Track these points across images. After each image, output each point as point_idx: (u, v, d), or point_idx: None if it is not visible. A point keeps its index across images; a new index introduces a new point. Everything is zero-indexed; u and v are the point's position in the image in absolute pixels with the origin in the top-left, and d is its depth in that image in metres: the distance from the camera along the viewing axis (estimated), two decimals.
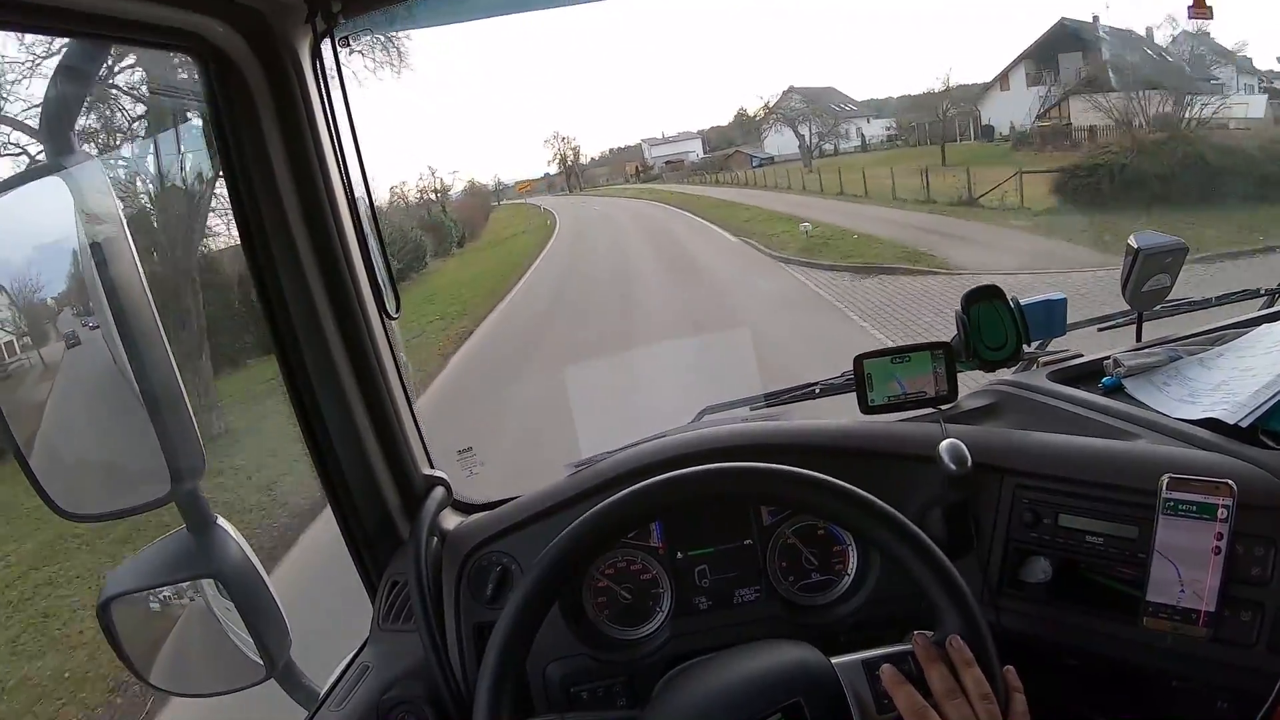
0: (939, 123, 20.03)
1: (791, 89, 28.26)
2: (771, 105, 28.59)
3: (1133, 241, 1.06)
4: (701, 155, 37.95)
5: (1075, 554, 0.84)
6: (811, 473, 0.71)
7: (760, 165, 27.90)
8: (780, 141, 27.87)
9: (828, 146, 25.74)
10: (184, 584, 0.87)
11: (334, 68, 0.85)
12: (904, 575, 0.70)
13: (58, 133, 0.77)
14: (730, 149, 33.85)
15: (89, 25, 0.68)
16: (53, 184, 0.76)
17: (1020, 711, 0.66)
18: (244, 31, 0.79)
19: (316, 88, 0.86)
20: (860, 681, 0.66)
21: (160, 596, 0.89)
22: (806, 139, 26.14)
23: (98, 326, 0.81)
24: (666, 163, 39.06)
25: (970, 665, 0.65)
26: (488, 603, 0.93)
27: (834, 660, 0.68)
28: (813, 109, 26.27)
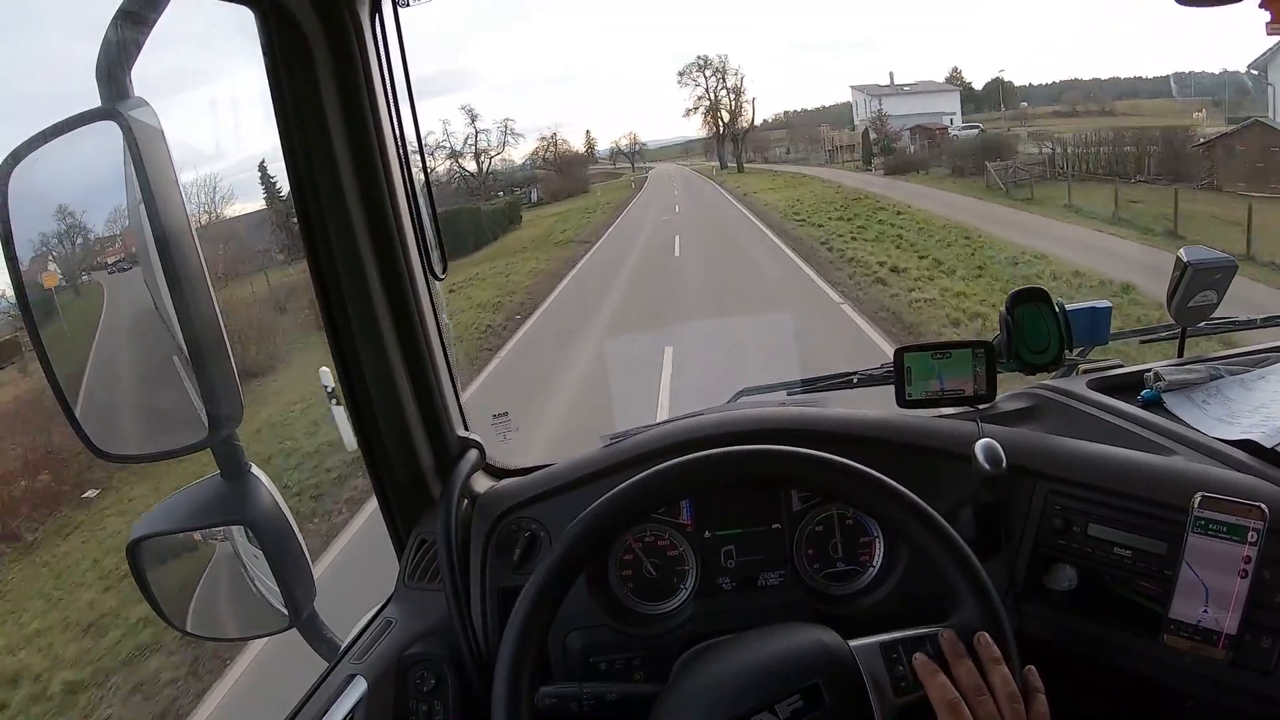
0: None
1: None
2: None
3: (1182, 255, 1.04)
4: (963, 121, 21.30)
5: (1102, 565, 0.84)
6: (847, 461, 0.71)
7: None
8: None
9: None
10: (214, 529, 0.88)
11: (394, 27, 0.85)
12: (930, 573, 0.70)
13: (115, 78, 0.78)
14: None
15: None
16: (106, 128, 0.76)
17: (1041, 712, 0.66)
18: None
19: (375, 46, 0.86)
20: (878, 664, 0.67)
21: (188, 541, 0.91)
22: None
23: (125, 270, 0.82)
24: (914, 129, 21.31)
25: (998, 663, 0.65)
26: (514, 567, 0.94)
27: (852, 643, 0.68)
28: None
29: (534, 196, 27.38)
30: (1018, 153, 17.17)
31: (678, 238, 13.39)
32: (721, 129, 29.21)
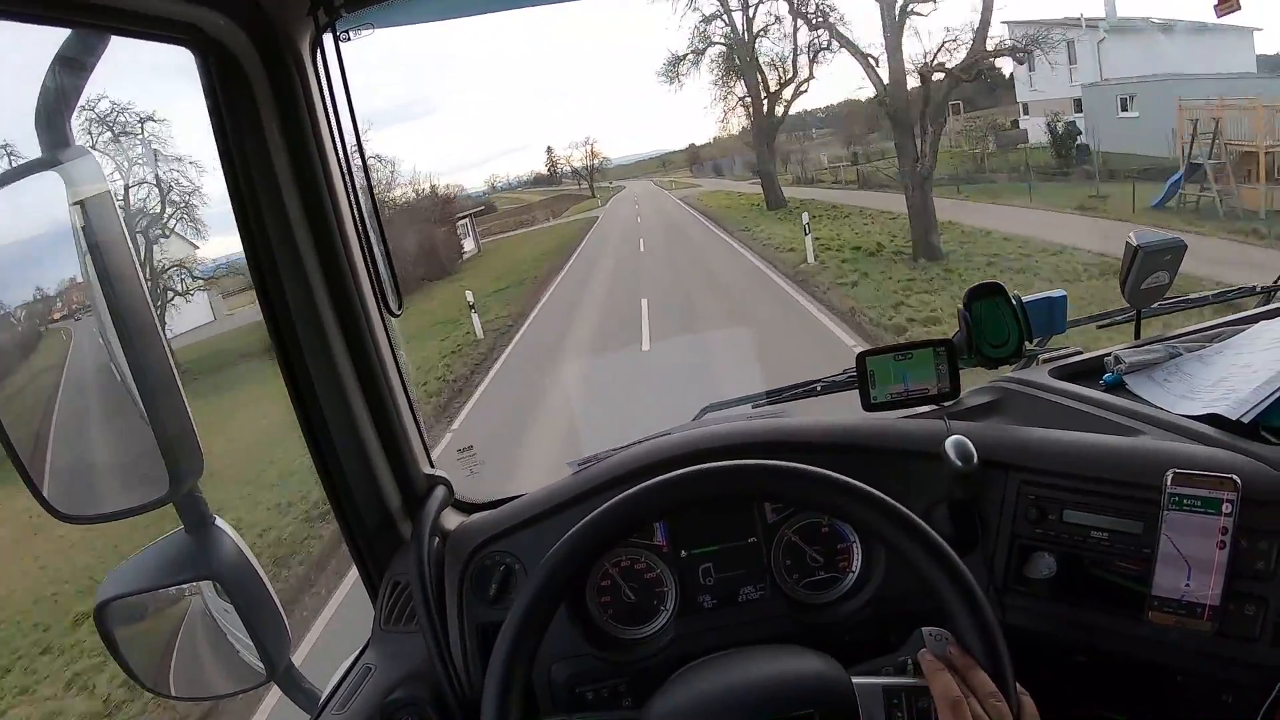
0: None
1: None
2: None
3: (1132, 239, 1.07)
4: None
5: (1080, 550, 0.84)
6: (821, 470, 0.70)
7: None
8: None
9: None
10: (183, 586, 0.86)
11: (335, 62, 0.84)
12: (908, 573, 0.70)
13: (54, 126, 0.76)
14: None
15: (85, 15, 0.67)
16: (48, 178, 0.75)
17: (1031, 712, 0.66)
18: (244, 25, 0.78)
19: (317, 82, 0.86)
20: (877, 707, 0.65)
21: (156, 599, 0.88)
22: None
23: (77, 321, 0.81)
24: None
25: (972, 667, 0.65)
26: (491, 603, 0.93)
27: (855, 680, 0.67)
28: None
29: None
30: None
31: None
32: (768, 99, 13.74)
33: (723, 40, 14.37)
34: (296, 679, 0.85)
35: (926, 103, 9.67)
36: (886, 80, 9.99)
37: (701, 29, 14.13)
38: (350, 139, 0.87)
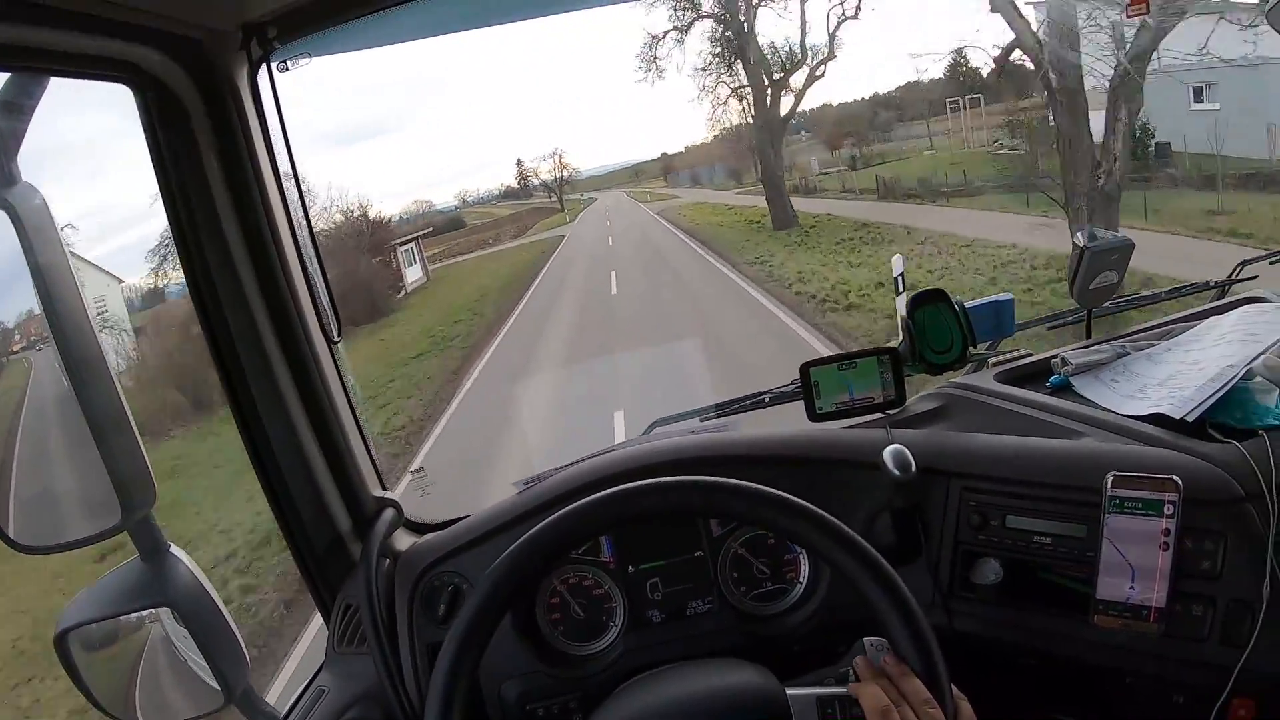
0: None
1: None
2: None
3: (1078, 239, 1.07)
4: None
5: (1024, 555, 0.85)
6: (752, 484, 0.70)
7: None
8: None
9: None
10: (141, 613, 0.87)
11: (269, 89, 0.86)
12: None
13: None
14: None
15: (21, 59, 0.69)
16: None
17: (968, 715, 0.66)
18: (180, 60, 0.80)
19: (255, 113, 0.87)
20: (811, 717, 0.66)
21: (116, 626, 0.89)
22: None
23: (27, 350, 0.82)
24: None
25: (906, 675, 0.66)
26: (440, 622, 0.94)
27: (789, 691, 0.67)
28: None
29: None
30: None
31: None
32: (771, 89, 11.30)
33: (712, 11, 11.52)
34: (254, 702, 0.86)
35: (1126, 74, 5.46)
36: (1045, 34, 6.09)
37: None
38: (287, 168, 0.88)
